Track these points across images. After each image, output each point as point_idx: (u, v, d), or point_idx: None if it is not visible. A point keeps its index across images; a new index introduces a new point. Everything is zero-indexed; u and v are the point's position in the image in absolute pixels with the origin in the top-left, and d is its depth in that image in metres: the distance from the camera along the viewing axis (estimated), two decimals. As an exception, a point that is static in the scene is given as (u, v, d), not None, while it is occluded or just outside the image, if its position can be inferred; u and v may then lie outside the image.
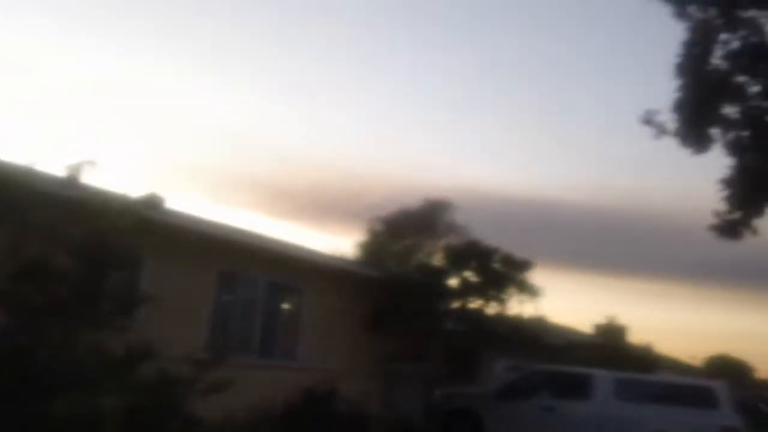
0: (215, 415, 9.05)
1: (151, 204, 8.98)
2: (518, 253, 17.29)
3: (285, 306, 15.16)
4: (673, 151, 10.41)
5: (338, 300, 15.59)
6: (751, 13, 9.18)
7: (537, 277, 17.10)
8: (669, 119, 9.76)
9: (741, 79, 9.42)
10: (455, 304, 17.01)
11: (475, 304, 17.02)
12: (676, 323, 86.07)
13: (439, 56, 67.78)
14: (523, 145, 77.84)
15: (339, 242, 48.23)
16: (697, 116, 9.63)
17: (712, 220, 9.89)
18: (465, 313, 16.94)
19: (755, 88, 9.35)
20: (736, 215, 9.67)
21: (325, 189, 54.29)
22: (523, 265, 17.08)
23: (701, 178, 13.10)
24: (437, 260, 19.59)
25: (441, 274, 17.54)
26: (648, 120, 9.87)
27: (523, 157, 77.80)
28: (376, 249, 27.61)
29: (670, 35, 10.25)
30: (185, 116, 54.95)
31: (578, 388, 15.06)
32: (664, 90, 9.70)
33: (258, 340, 13.95)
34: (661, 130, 9.81)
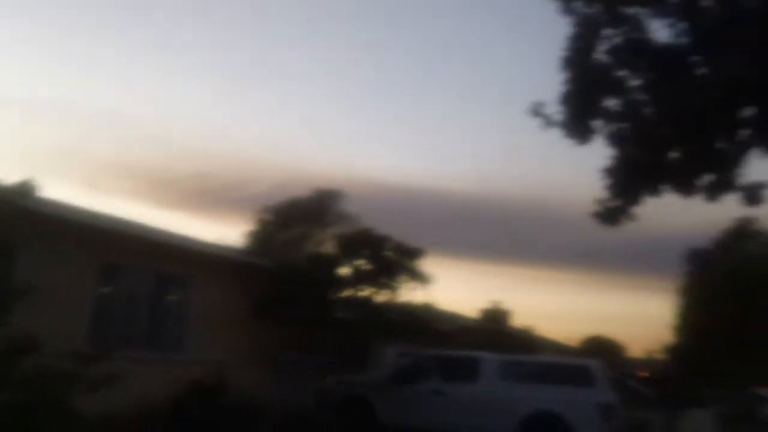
0: (99, 411, 8.64)
1: (24, 192, 8.35)
2: (409, 241, 17.49)
3: (172, 298, 14.64)
4: (559, 142, 10.84)
5: (228, 291, 15.24)
6: (633, 9, 9.64)
7: (427, 264, 17.37)
8: (556, 111, 10.10)
9: (622, 73, 9.87)
10: (347, 293, 17.01)
11: (366, 292, 17.09)
12: (556, 306, 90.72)
13: (331, 45, 67.37)
14: (415, 136, 78.93)
15: (226, 232, 47.15)
16: (581, 109, 10.00)
17: (594, 208, 10.34)
18: (356, 302, 16.98)
19: (635, 82, 9.84)
20: (616, 203, 10.16)
21: (211, 178, 52.81)
22: (415, 253, 17.30)
23: (585, 167, 13.65)
24: (328, 249, 19.53)
25: (332, 262, 17.48)
26: (536, 111, 10.16)
27: (414, 148, 78.96)
28: (265, 238, 27.20)
29: (559, 29, 10.61)
30: (66, 103, 51.80)
31: (465, 370, 15.45)
32: (552, 82, 10.07)
33: (144, 333, 13.44)
34: (548, 122, 10.12)
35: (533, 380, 15.01)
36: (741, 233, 35.53)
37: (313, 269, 17.02)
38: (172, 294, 14.63)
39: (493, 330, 26.69)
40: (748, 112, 9.27)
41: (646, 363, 54.50)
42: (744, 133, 9.48)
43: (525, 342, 28.80)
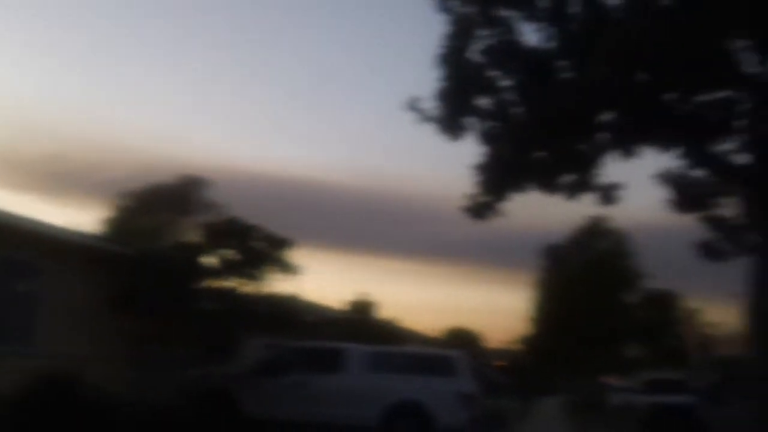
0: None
1: None
2: (279, 231, 17.23)
3: (21, 286, 13.58)
4: (433, 137, 11.02)
5: (84, 279, 14.34)
6: (505, 12, 9.97)
7: (296, 255, 17.19)
8: (431, 107, 10.27)
9: (495, 73, 10.19)
10: (212, 283, 16.52)
11: (232, 282, 16.67)
12: (422, 298, 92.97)
13: (206, 27, 65.11)
14: (289, 126, 77.94)
15: (82, 217, 44.42)
16: (454, 106, 10.25)
17: (464, 203, 10.64)
18: (222, 292, 16.52)
19: (506, 83, 10.19)
20: (485, 199, 10.50)
21: (65, 161, 49.61)
22: (283, 244, 17.06)
23: (458, 163, 14.01)
24: (193, 238, 18.88)
25: (197, 252, 16.91)
26: (412, 106, 10.32)
27: (288, 138, 78.02)
28: (124, 225, 25.89)
29: (436, 26, 10.77)
30: None
31: (331, 362, 15.42)
32: (429, 78, 10.23)
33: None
34: (423, 117, 10.30)
35: (397, 371, 15.24)
36: (594, 231, 37.89)
37: (177, 258, 16.37)
38: (21, 282, 13.57)
39: (359, 321, 26.90)
40: (606, 116, 9.84)
41: (504, 353, 57.06)
42: (602, 136, 10.06)
43: (390, 333, 29.26)
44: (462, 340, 47.31)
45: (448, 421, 14.49)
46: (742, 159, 9.82)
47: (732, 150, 9.87)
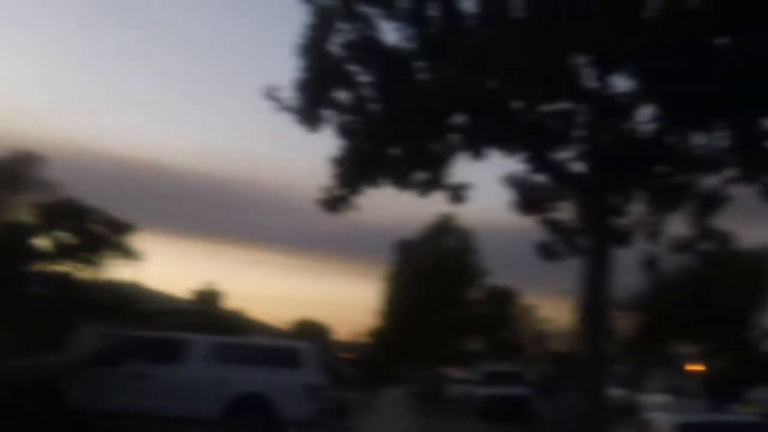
0: None
1: None
2: (120, 215, 16.42)
3: None
4: (290, 127, 10.88)
5: None
6: (367, 8, 10.00)
7: (138, 241, 16.46)
8: (290, 96, 10.14)
9: (354, 68, 10.21)
10: (45, 267, 15.47)
11: (67, 267, 15.71)
12: (273, 290, 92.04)
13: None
14: (139, 105, 74.11)
15: None
16: (313, 97, 10.18)
17: (319, 195, 10.60)
18: (54, 276, 15.51)
19: (366, 78, 10.24)
20: (341, 192, 10.52)
21: None
22: (124, 228, 16.29)
23: (315, 154, 13.91)
24: (26, 218, 17.56)
25: (29, 233, 15.76)
26: (270, 95, 10.14)
27: (137, 117, 74.24)
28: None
29: (300, 15, 10.60)
30: None
31: (171, 352, 14.93)
32: (289, 68, 10.06)
33: None
34: (281, 106, 10.15)
35: (242, 362, 14.99)
36: (442, 228, 39.19)
37: (5, 239, 15.17)
38: None
39: (204, 311, 26.23)
40: (458, 119, 10.16)
41: (352, 346, 57.83)
42: (454, 137, 10.38)
43: (236, 324, 28.74)
44: (311, 332, 47.42)
45: (293, 414, 14.43)
46: (579, 167, 10.49)
47: (570, 158, 10.52)
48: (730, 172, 10.03)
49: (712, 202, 10.44)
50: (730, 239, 10.89)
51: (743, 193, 10.17)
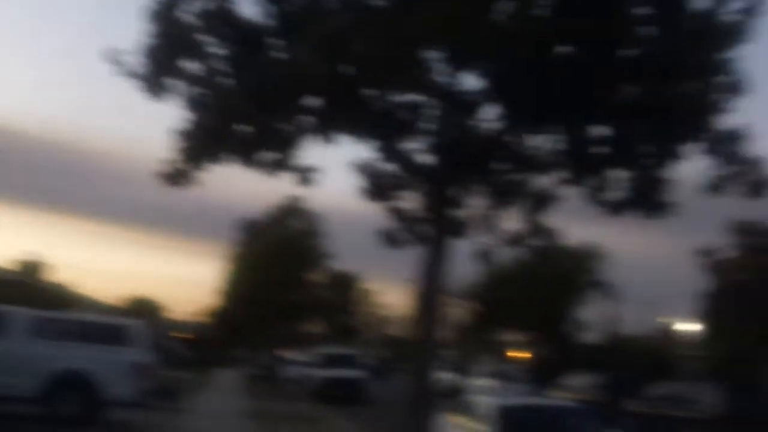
0: None
1: None
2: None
3: None
4: (133, 95, 10.34)
5: None
6: None
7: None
8: (136, 62, 9.64)
9: (207, 39, 9.84)
10: None
11: None
12: (108, 264, 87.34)
13: None
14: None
15: None
16: (160, 65, 9.72)
17: (160, 168, 10.18)
18: None
19: (218, 51, 9.91)
20: (184, 166, 10.15)
21: None
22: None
23: (160, 126, 13.26)
24: None
25: None
26: (113, 59, 9.60)
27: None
28: None
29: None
30: None
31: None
32: (137, 31, 9.52)
33: None
34: (125, 72, 9.64)
35: (64, 339, 14.50)
36: (289, 210, 38.95)
37: None
38: None
39: (26, 283, 24.44)
40: (311, 101, 10.11)
41: (191, 325, 56.34)
42: (305, 119, 10.32)
43: (61, 298, 27.05)
44: (144, 309, 45.62)
45: (117, 393, 14.03)
46: (426, 159, 10.80)
47: (418, 149, 10.81)
48: (561, 174, 10.75)
49: (544, 200, 11.14)
50: (558, 236, 11.67)
51: (571, 194, 10.95)
